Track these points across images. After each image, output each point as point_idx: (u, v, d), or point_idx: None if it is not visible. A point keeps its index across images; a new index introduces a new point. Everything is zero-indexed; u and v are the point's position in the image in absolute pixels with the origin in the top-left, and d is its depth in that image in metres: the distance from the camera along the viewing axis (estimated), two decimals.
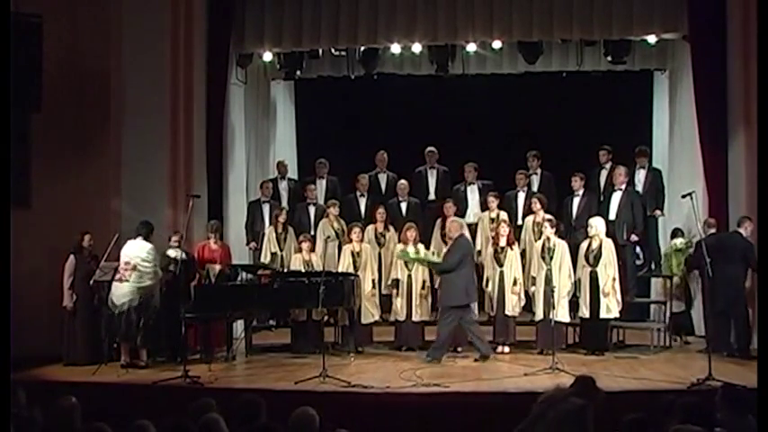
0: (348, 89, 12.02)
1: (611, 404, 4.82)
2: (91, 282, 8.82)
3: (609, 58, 10.79)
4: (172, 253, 9.08)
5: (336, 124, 12.54)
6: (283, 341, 9.85)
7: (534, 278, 9.24)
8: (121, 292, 8.64)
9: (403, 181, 10.97)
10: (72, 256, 8.96)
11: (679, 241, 9.68)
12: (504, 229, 9.36)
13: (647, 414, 4.56)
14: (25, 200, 9.34)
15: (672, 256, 9.72)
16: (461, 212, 10.82)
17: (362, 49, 11.13)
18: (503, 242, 9.32)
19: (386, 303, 9.89)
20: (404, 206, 10.82)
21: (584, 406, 4.15)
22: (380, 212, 10.29)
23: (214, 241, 9.57)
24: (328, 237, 10.10)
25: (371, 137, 12.09)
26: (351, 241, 9.65)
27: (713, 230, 9.18)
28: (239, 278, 9.40)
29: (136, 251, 8.73)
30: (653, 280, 10.58)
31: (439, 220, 10.31)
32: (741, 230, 8.90)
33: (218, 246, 9.59)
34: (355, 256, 9.52)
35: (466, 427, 6.88)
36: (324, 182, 11.45)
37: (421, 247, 9.53)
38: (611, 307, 8.96)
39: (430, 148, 11.38)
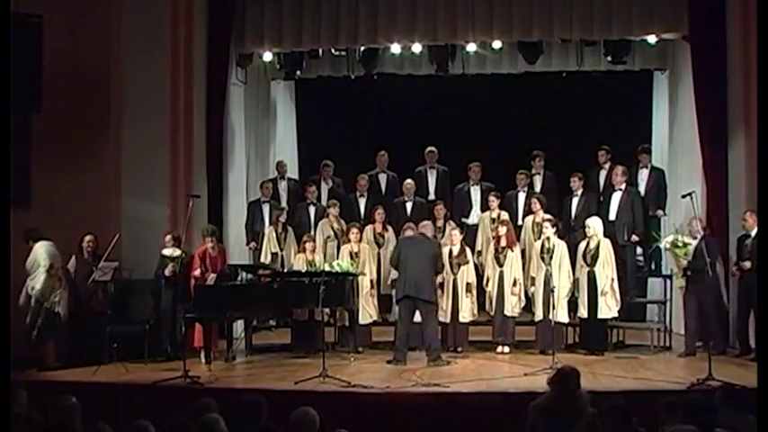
0: (348, 89, 12.00)
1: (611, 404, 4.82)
2: (89, 282, 8.83)
3: (609, 58, 10.78)
4: (166, 252, 9.04)
5: (336, 124, 12.54)
6: (283, 341, 9.84)
7: (534, 278, 9.24)
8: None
9: (409, 180, 10.98)
10: (73, 257, 8.97)
11: (671, 238, 9.29)
12: (507, 230, 9.37)
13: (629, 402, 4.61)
14: (25, 200, 9.33)
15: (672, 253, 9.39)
16: (465, 213, 10.87)
17: (362, 49, 11.11)
18: (503, 242, 9.33)
19: (386, 303, 9.90)
20: (409, 206, 10.83)
21: (595, 414, 4.23)
22: (379, 213, 10.30)
23: (212, 246, 9.24)
24: (328, 237, 10.11)
25: (371, 137, 12.09)
26: (349, 241, 9.65)
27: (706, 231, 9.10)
28: (239, 278, 9.40)
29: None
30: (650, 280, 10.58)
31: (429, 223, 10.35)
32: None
33: (215, 251, 9.31)
34: (353, 256, 9.51)
35: (466, 427, 6.88)
36: (329, 183, 11.46)
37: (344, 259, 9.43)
38: (610, 306, 8.98)
39: (430, 148, 11.38)
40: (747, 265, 8.68)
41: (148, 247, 9.25)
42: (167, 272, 8.96)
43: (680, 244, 9.02)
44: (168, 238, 9.11)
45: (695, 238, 8.93)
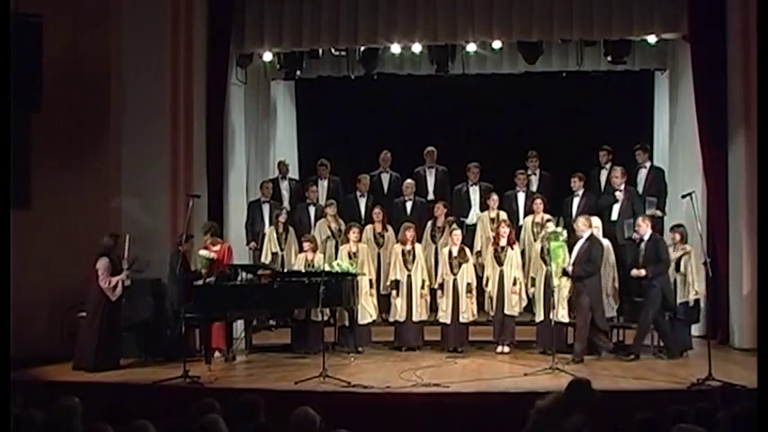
0: (348, 89, 12.01)
1: (612, 404, 4.83)
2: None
3: (609, 58, 10.78)
4: (203, 253, 9.11)
5: (337, 124, 12.54)
6: (283, 341, 9.85)
7: (534, 279, 9.24)
8: None
9: (409, 180, 10.99)
10: (105, 259, 8.63)
11: (550, 230, 8.92)
12: (505, 230, 9.37)
13: (655, 414, 4.57)
14: (25, 200, 9.34)
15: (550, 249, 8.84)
16: (464, 213, 10.87)
17: (362, 49, 11.12)
18: (503, 242, 9.33)
19: (386, 303, 9.90)
20: (409, 205, 10.85)
21: (585, 422, 4.18)
22: (377, 213, 10.31)
23: (212, 242, 9.26)
24: (328, 237, 10.11)
25: (372, 137, 12.09)
26: (348, 241, 9.65)
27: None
28: (239, 278, 9.39)
29: None
30: None
31: (430, 222, 10.35)
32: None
33: (218, 246, 9.33)
34: (352, 256, 9.50)
35: (466, 427, 6.88)
36: (325, 183, 11.46)
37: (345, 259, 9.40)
38: (611, 307, 8.97)
39: (429, 148, 11.40)
40: (643, 272, 8.64)
41: (148, 248, 9.23)
42: (203, 272, 9.03)
43: (554, 237, 8.80)
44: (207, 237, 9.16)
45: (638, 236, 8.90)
